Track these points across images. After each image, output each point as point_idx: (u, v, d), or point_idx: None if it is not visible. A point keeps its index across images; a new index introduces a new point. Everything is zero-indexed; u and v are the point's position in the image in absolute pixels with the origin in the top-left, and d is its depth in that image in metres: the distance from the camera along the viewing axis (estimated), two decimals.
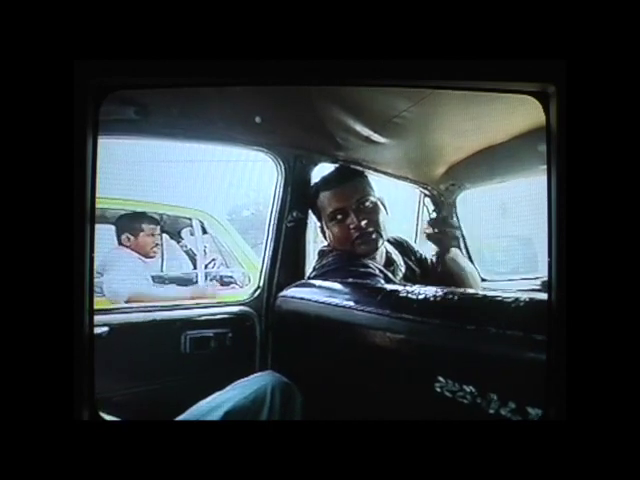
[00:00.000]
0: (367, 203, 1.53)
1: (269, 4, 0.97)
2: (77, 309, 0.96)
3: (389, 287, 1.39)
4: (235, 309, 1.65)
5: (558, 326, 0.94)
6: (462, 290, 1.39)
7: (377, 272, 1.46)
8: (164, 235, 1.89)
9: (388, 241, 1.64)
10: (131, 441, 0.97)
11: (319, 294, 1.40)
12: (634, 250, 0.95)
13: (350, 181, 1.56)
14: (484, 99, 1.27)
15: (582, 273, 0.95)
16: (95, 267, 1.02)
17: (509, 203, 1.71)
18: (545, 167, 1.00)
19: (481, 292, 1.43)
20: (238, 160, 1.75)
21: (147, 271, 1.76)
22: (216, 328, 1.61)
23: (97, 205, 1.01)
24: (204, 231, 1.92)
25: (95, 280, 1.04)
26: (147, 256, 1.77)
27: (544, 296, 0.98)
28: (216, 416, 1.16)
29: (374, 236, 1.52)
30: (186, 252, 1.93)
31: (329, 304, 1.32)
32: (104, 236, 1.63)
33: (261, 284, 1.66)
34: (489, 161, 1.72)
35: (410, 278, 1.62)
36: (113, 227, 1.71)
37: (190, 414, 1.18)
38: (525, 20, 0.96)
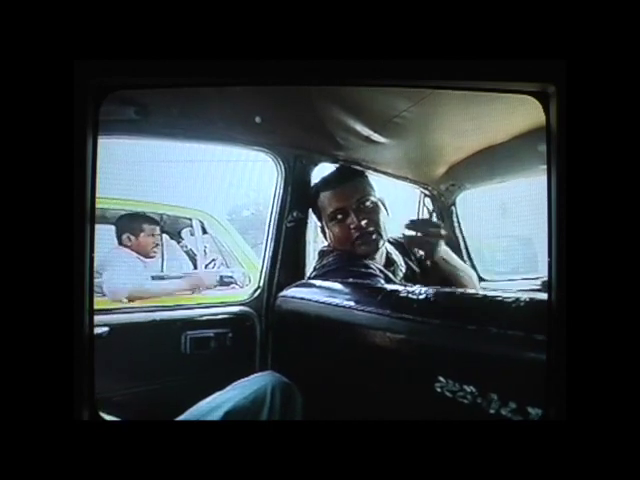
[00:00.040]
0: (367, 203, 1.53)
1: (269, 4, 0.97)
2: (77, 309, 0.96)
3: (389, 287, 1.39)
4: (235, 309, 1.65)
5: (558, 326, 0.94)
6: (462, 290, 1.39)
7: (377, 272, 1.46)
8: (164, 235, 1.88)
9: (388, 241, 1.64)
10: (131, 441, 0.97)
11: (319, 294, 1.40)
12: (634, 250, 0.95)
13: (350, 181, 1.56)
14: (484, 99, 1.26)
15: (582, 273, 0.95)
16: (95, 267, 1.02)
17: (509, 203, 1.70)
18: (545, 167, 1.00)
19: (481, 292, 1.43)
20: (238, 160, 1.74)
21: (147, 271, 1.76)
22: (216, 328, 1.61)
23: (97, 205, 1.01)
24: (204, 231, 1.92)
25: (95, 280, 1.04)
26: (147, 256, 1.77)
27: (544, 296, 0.98)
28: (216, 416, 1.16)
29: (374, 236, 1.52)
30: (186, 252, 1.93)
31: (329, 304, 1.32)
32: (104, 236, 1.63)
33: (261, 284, 1.66)
34: (489, 161, 1.72)
35: (410, 278, 1.62)
36: (113, 227, 1.71)
37: (190, 414, 1.18)
38: (525, 20, 0.96)
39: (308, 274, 1.62)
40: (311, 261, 1.66)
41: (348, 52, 0.97)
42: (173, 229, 1.92)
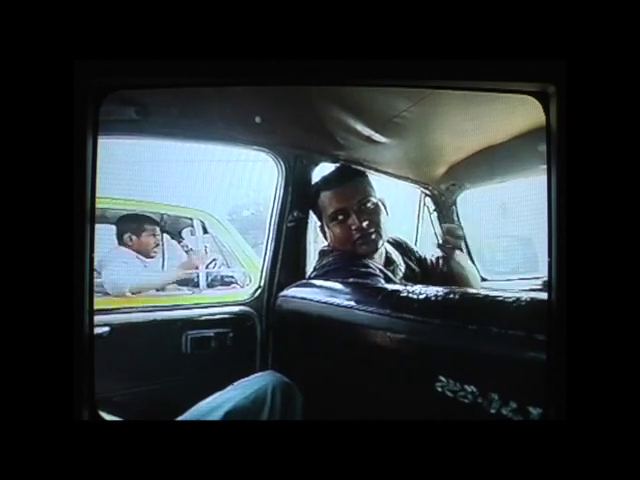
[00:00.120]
0: (368, 204, 1.53)
1: (269, 4, 0.97)
2: (77, 309, 0.96)
3: (390, 287, 1.39)
4: (236, 309, 1.65)
5: (558, 326, 0.94)
6: (463, 290, 1.39)
7: (377, 272, 1.46)
8: (165, 235, 1.89)
9: (388, 241, 1.64)
10: (131, 441, 0.97)
11: (320, 294, 1.40)
12: (634, 250, 0.95)
13: (351, 181, 1.56)
14: (484, 99, 1.27)
15: (582, 273, 0.95)
16: (95, 266, 1.02)
17: (509, 203, 1.71)
18: (545, 167, 1.00)
19: (482, 292, 1.43)
20: (238, 160, 1.75)
21: (147, 271, 1.76)
22: (217, 328, 1.61)
23: (97, 205, 1.01)
24: (205, 231, 1.92)
25: (95, 280, 1.04)
26: (148, 256, 1.77)
27: (545, 296, 0.98)
28: (216, 416, 1.16)
29: (374, 236, 1.52)
30: (187, 252, 1.93)
31: (330, 304, 1.32)
32: (104, 236, 1.63)
33: (262, 284, 1.66)
34: (489, 161, 1.72)
35: (410, 278, 1.62)
36: (113, 227, 1.71)
37: (190, 414, 1.18)
38: (525, 20, 0.96)
39: (308, 274, 1.62)
40: (312, 261, 1.66)
41: (348, 52, 0.97)
42: (174, 229, 1.93)
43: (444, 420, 0.98)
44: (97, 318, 1.03)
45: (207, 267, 1.90)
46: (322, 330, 1.35)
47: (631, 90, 0.95)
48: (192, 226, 1.91)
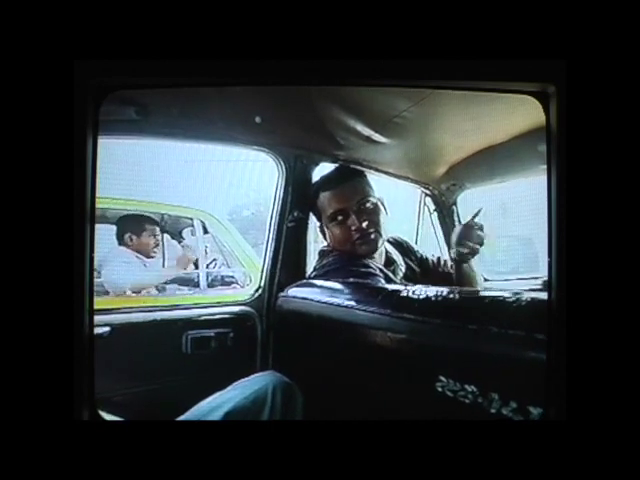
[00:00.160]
0: (368, 204, 1.53)
1: (269, 4, 0.97)
2: (77, 309, 0.97)
3: (390, 287, 1.39)
4: (236, 309, 1.65)
5: (558, 326, 0.94)
6: (463, 290, 1.39)
7: (377, 272, 1.46)
8: (165, 235, 1.89)
9: (388, 241, 1.64)
10: (131, 441, 0.97)
11: (320, 294, 1.40)
12: (634, 250, 0.95)
13: (350, 181, 1.56)
14: (484, 99, 1.27)
15: (582, 273, 0.95)
16: (95, 265, 1.02)
17: (509, 203, 1.71)
18: (545, 167, 1.00)
19: (482, 292, 1.43)
20: (238, 160, 1.75)
21: (147, 271, 1.76)
22: (217, 328, 1.61)
23: (97, 205, 1.01)
24: (205, 231, 1.92)
25: (95, 280, 1.04)
26: (148, 256, 1.78)
27: (545, 296, 0.98)
28: (217, 416, 1.16)
29: (374, 236, 1.52)
30: (182, 247, 1.93)
31: (330, 304, 1.32)
32: (104, 236, 1.63)
33: (262, 284, 1.66)
34: (489, 161, 1.72)
35: (411, 278, 1.63)
36: (114, 227, 1.71)
37: (191, 414, 1.18)
38: (525, 20, 0.96)
39: (308, 274, 1.62)
40: (312, 261, 1.66)
41: (348, 52, 0.97)
42: (174, 229, 1.93)
43: (444, 420, 0.98)
44: (97, 318, 1.03)
45: (207, 267, 1.91)
46: (322, 330, 1.35)
47: (631, 90, 0.95)
48: (192, 226, 1.91)
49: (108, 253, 1.69)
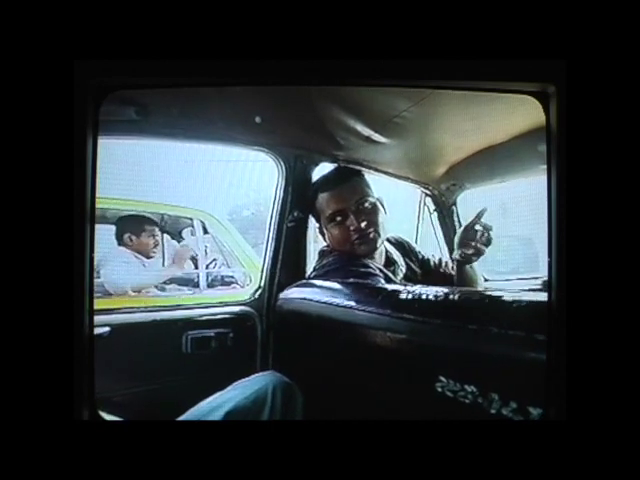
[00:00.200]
0: (366, 204, 1.53)
1: (269, 4, 0.97)
2: (77, 309, 0.97)
3: (390, 287, 1.39)
4: (236, 309, 1.65)
5: (558, 326, 0.94)
6: (463, 290, 1.39)
7: (377, 272, 1.46)
8: (165, 235, 1.89)
9: (389, 241, 1.64)
10: (131, 441, 0.97)
11: (320, 294, 1.40)
12: (634, 250, 0.95)
13: (348, 182, 1.55)
14: (484, 99, 1.27)
15: (582, 273, 0.95)
16: (95, 265, 1.02)
17: (509, 203, 1.71)
18: (545, 167, 1.00)
19: (482, 292, 1.43)
20: (238, 160, 1.75)
21: (147, 271, 1.76)
22: (217, 328, 1.61)
23: (97, 205, 1.01)
24: (205, 231, 1.92)
25: (95, 280, 1.04)
26: (147, 256, 1.78)
27: (545, 296, 0.98)
28: (217, 416, 1.16)
29: (372, 236, 1.51)
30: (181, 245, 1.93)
31: (330, 304, 1.32)
32: (104, 236, 1.63)
33: (262, 284, 1.66)
34: (489, 161, 1.72)
35: (411, 278, 1.62)
36: (113, 227, 1.71)
37: (191, 414, 1.18)
38: (525, 20, 0.96)
39: (308, 274, 1.62)
40: (312, 261, 1.66)
41: (348, 52, 0.97)
42: (174, 229, 1.93)
43: (444, 420, 0.98)
44: (97, 318, 1.03)
45: (207, 267, 1.91)
46: (322, 330, 1.35)
47: (631, 90, 0.95)
48: (192, 226, 1.91)
49: (108, 253, 1.69)
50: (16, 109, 0.95)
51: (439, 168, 1.87)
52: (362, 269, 1.45)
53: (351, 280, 1.41)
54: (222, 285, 1.90)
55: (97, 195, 1.01)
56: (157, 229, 1.81)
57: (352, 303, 1.26)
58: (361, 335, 1.21)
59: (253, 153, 1.67)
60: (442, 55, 0.97)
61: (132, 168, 1.56)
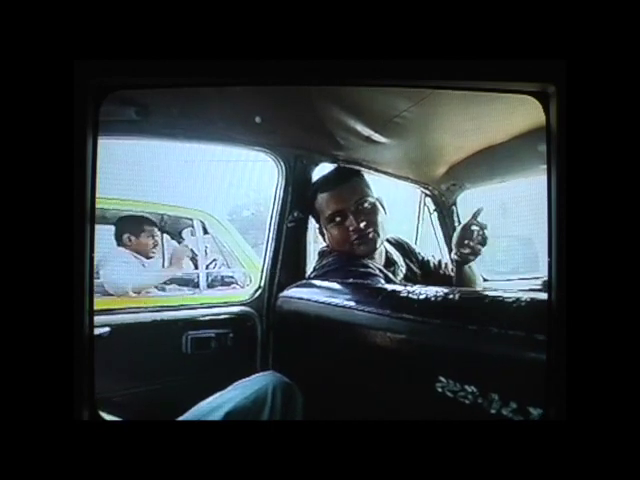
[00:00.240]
0: (366, 204, 1.53)
1: (269, 4, 0.97)
2: (77, 309, 0.96)
3: (390, 287, 1.39)
4: (236, 309, 1.65)
5: (558, 326, 0.94)
6: (463, 290, 1.39)
7: (377, 272, 1.46)
8: (165, 235, 1.89)
9: (389, 242, 1.64)
10: (131, 441, 0.97)
11: (320, 294, 1.40)
12: (634, 250, 0.95)
13: (347, 182, 1.55)
14: (484, 99, 1.27)
15: (582, 273, 0.95)
16: (95, 266, 1.02)
17: (509, 203, 1.71)
18: (545, 167, 1.00)
19: (482, 292, 1.43)
20: (238, 160, 1.75)
21: (146, 271, 1.76)
22: (217, 328, 1.61)
23: (97, 205, 1.01)
24: (205, 231, 1.92)
25: (95, 280, 1.04)
26: (147, 257, 1.78)
27: (545, 296, 0.98)
28: (217, 416, 1.16)
29: (372, 236, 1.51)
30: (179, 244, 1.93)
31: (330, 304, 1.32)
32: (104, 236, 1.64)
33: (262, 284, 1.67)
34: (489, 161, 1.72)
35: (411, 278, 1.62)
36: (113, 227, 1.71)
37: (191, 414, 1.18)
38: (525, 20, 0.96)
39: (308, 274, 1.62)
40: (312, 261, 1.66)
41: (348, 52, 0.97)
42: (174, 229, 1.93)
43: (444, 420, 0.98)
44: (97, 318, 1.03)
45: (207, 267, 1.91)
46: (322, 330, 1.35)
47: (631, 90, 0.95)
48: (192, 226, 1.91)
49: (107, 253, 1.69)
50: (16, 109, 0.95)
51: (439, 168, 1.87)
52: (362, 269, 1.45)
53: (351, 280, 1.41)
54: (222, 285, 1.90)
55: (97, 195, 1.01)
56: (156, 229, 1.81)
57: (352, 303, 1.26)
58: (361, 335, 1.21)
59: (253, 153, 1.67)
60: (442, 55, 0.97)
61: (132, 168, 1.56)
